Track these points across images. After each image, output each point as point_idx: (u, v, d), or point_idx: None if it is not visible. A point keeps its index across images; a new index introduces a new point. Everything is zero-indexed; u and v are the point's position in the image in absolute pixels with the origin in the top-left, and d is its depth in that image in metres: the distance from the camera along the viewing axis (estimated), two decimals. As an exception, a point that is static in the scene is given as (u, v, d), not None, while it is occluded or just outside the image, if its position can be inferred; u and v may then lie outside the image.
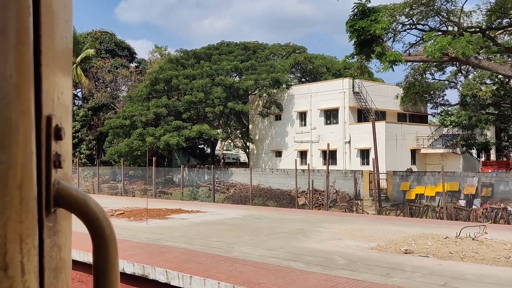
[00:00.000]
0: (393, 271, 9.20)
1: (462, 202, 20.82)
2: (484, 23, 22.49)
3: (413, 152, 34.79)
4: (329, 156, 27.97)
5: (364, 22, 16.25)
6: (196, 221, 17.38)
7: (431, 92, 36.57)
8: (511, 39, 25.71)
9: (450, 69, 34.89)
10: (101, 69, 43.27)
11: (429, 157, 35.25)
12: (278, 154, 38.26)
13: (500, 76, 29.21)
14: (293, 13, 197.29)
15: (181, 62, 39.25)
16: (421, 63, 27.45)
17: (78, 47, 41.07)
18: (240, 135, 39.68)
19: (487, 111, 34.31)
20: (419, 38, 23.48)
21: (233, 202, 26.61)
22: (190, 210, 21.22)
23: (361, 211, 22.81)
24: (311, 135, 35.87)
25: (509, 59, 24.34)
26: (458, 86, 35.74)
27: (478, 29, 21.13)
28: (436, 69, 32.68)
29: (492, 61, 22.30)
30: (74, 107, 43.24)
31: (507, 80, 31.44)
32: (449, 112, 38.41)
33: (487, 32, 20.82)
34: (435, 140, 36.06)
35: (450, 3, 22.30)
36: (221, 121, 38.39)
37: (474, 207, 19.88)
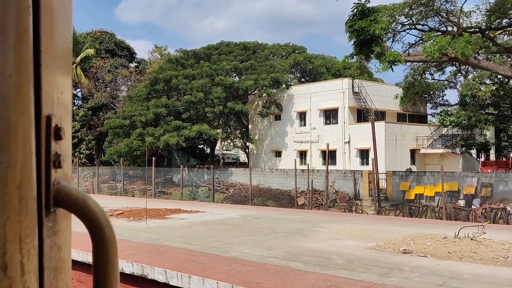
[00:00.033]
0: (391, 271, 9.21)
1: (461, 202, 20.83)
2: (483, 23, 22.49)
3: (413, 152, 34.81)
4: (329, 156, 27.98)
5: (363, 22, 16.26)
6: (195, 221, 17.38)
7: (431, 92, 36.57)
8: (510, 39, 25.72)
9: (449, 69, 34.94)
10: (100, 69, 43.25)
11: (429, 157, 35.27)
12: (278, 154, 38.27)
13: (499, 76, 29.23)
14: (293, 13, 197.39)
15: (181, 62, 39.25)
16: (421, 63, 27.46)
17: (78, 47, 41.06)
18: (239, 135, 39.69)
19: (486, 111, 34.32)
20: (419, 38, 23.46)
21: (233, 202, 26.61)
22: (189, 210, 21.21)
23: (360, 211, 22.82)
24: (310, 135, 35.88)
25: (509, 59, 24.36)
26: (458, 86, 35.76)
27: (477, 29, 21.13)
28: (435, 69, 32.70)
29: (492, 61, 22.31)
30: (74, 107, 43.22)
31: (506, 80, 31.46)
32: (449, 112, 38.43)
33: (487, 32, 20.82)
34: (434, 140, 36.08)
35: (450, 3, 22.29)
36: (220, 121, 38.39)
37: (473, 207, 19.88)
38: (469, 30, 20.63)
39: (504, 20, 21.81)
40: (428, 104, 39.67)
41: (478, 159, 38.27)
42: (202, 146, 45.33)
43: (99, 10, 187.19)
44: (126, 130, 36.98)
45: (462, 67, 33.10)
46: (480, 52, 20.94)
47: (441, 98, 38.31)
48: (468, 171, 29.39)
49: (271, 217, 18.46)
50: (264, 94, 36.14)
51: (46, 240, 0.62)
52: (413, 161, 34.62)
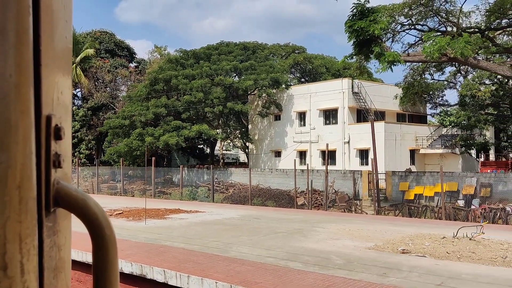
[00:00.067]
0: (390, 271, 9.21)
1: (460, 202, 20.84)
2: (483, 24, 22.50)
3: (412, 152, 34.83)
4: (328, 156, 27.98)
5: (363, 22, 16.26)
6: (195, 221, 17.38)
7: (430, 92, 36.60)
8: (510, 40, 25.73)
9: (449, 69, 34.98)
10: (100, 69, 43.24)
11: (428, 157, 35.28)
12: (278, 154, 38.28)
13: (499, 76, 29.24)
14: (293, 13, 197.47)
15: (181, 62, 39.24)
16: (420, 63, 27.48)
17: (78, 47, 41.04)
18: (239, 135, 39.69)
19: (486, 111, 34.34)
20: (418, 39, 23.47)
21: (232, 202, 26.61)
22: (189, 210, 21.21)
23: (360, 211, 22.82)
24: (310, 135, 35.89)
25: (508, 59, 24.37)
26: (457, 87, 35.79)
27: (477, 30, 21.14)
28: (435, 69, 32.73)
29: (491, 62, 22.33)
30: (74, 107, 43.19)
31: (506, 80, 31.48)
32: (448, 112, 38.45)
33: (486, 32, 20.84)
34: (434, 140, 36.10)
35: (449, 4, 22.30)
36: (220, 121, 38.39)
37: (472, 207, 19.90)
38: (468, 30, 20.63)
39: (504, 20, 21.83)
40: (428, 104, 39.70)
41: (477, 159, 38.30)
42: (201, 146, 45.33)
43: (99, 10, 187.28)
44: (126, 130, 36.97)
45: (461, 67, 33.12)
46: (479, 52, 20.95)
47: (440, 98, 38.35)
48: (468, 171, 29.41)
49: (270, 217, 18.46)
50: (263, 94, 36.15)
51: (46, 240, 0.62)
52: (412, 161, 34.64)
